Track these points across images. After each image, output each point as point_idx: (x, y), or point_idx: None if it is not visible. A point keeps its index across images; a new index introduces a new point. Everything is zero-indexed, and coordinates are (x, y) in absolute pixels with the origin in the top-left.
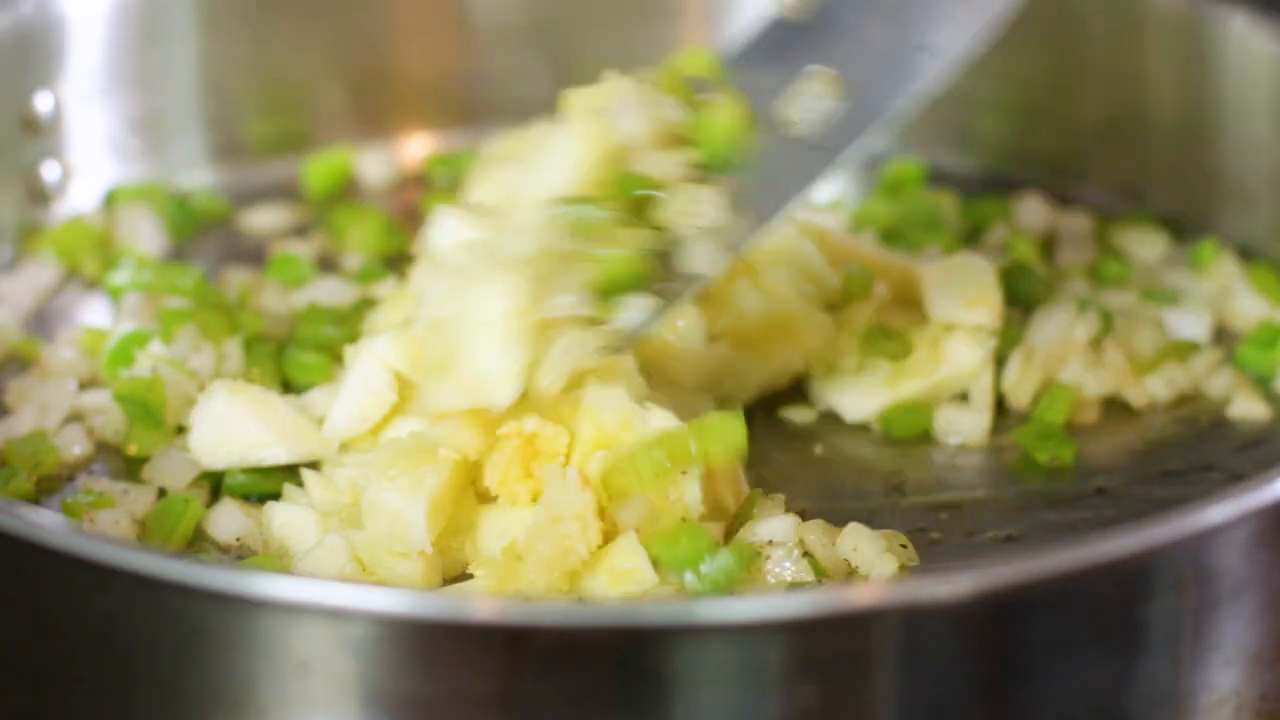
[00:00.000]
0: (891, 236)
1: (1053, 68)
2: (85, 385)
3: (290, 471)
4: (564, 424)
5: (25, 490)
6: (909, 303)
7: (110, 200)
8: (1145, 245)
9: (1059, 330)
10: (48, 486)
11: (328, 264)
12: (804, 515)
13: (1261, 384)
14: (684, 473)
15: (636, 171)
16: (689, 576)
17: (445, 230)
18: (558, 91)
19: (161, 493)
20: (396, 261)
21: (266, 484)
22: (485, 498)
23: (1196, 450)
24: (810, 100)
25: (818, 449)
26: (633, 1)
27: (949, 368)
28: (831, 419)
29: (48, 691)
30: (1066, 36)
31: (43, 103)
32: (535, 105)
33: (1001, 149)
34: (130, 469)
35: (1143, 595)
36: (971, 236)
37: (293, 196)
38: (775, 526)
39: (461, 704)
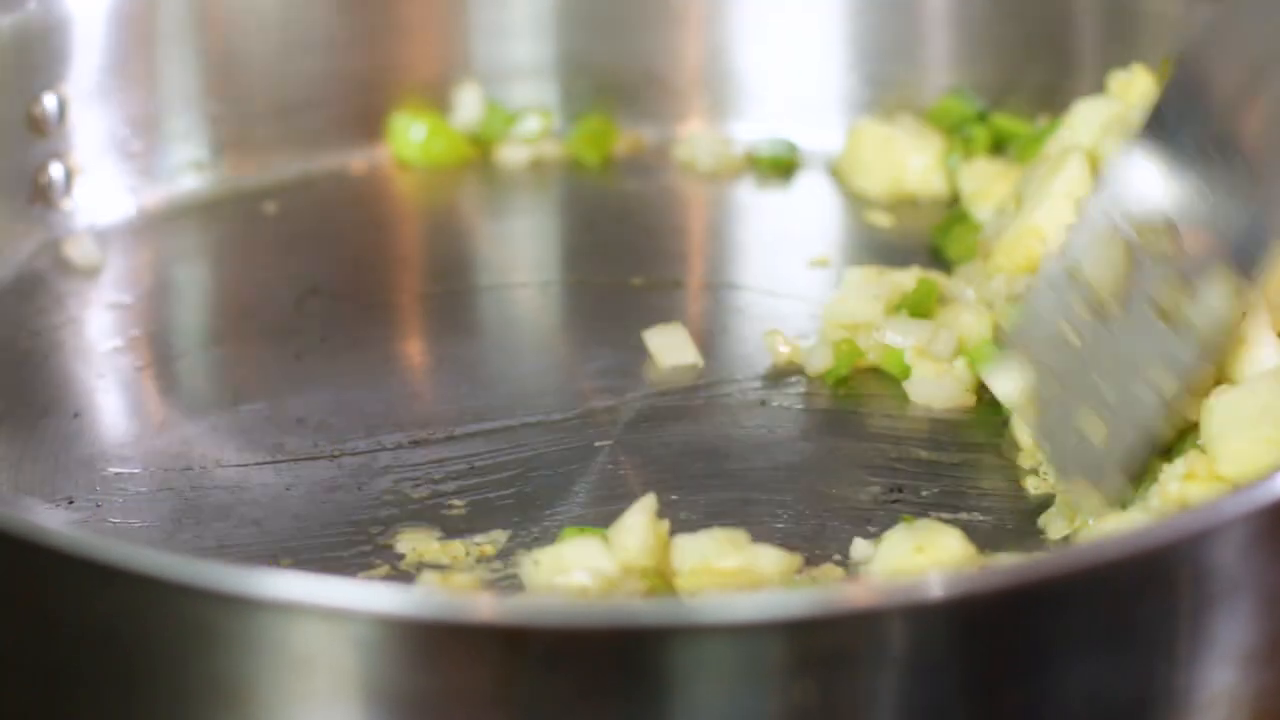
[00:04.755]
0: None
1: (1046, 70)
2: None
3: None
4: None
5: None
6: None
7: None
8: None
9: None
10: None
11: None
12: None
13: None
14: None
15: None
16: None
17: None
18: (559, 92)
19: None
20: None
21: None
22: None
23: None
24: None
25: None
26: (635, 3)
27: None
28: None
29: (48, 691)
30: (1060, 38)
31: (48, 103)
32: (536, 106)
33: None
34: None
35: (1140, 595)
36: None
37: (297, 196)
38: None
39: (462, 702)
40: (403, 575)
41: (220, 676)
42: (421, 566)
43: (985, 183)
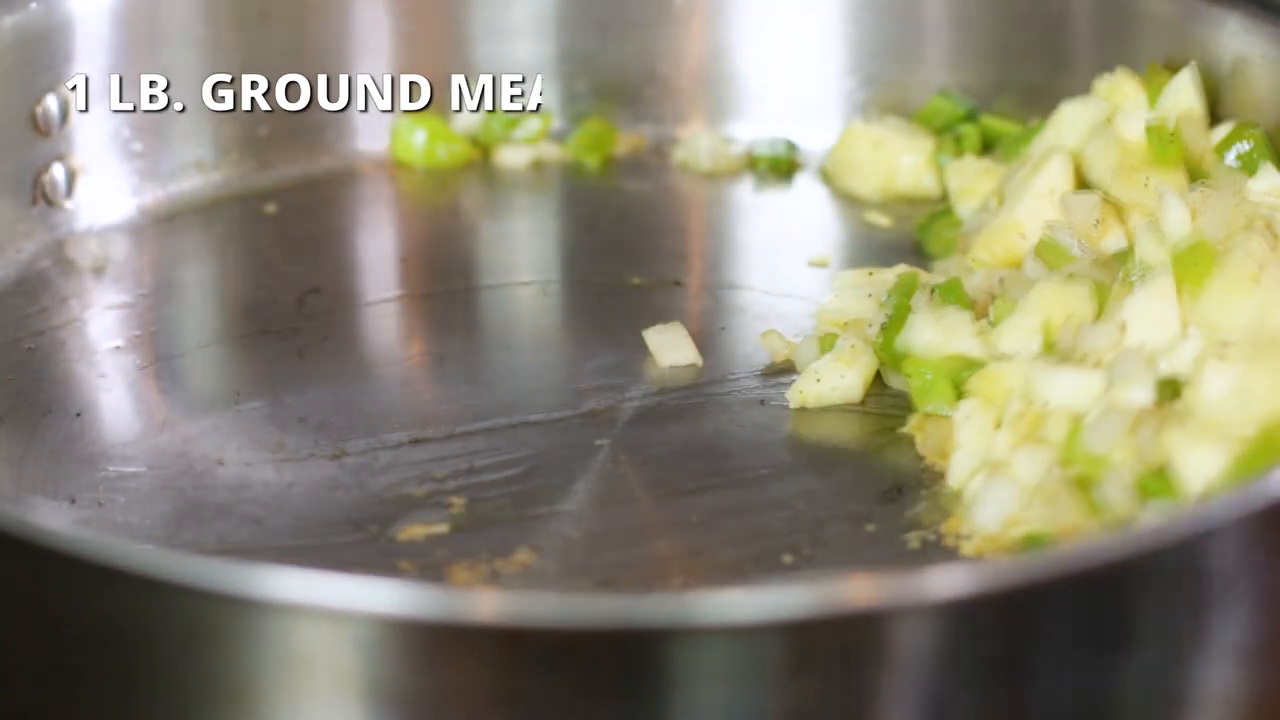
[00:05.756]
0: None
1: (1043, 71)
2: None
3: None
4: None
5: None
6: None
7: None
8: None
9: None
10: None
11: None
12: None
13: None
14: None
15: None
16: None
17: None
18: (559, 93)
19: None
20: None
21: None
22: None
23: None
24: None
25: None
26: (635, 3)
27: None
28: None
29: (48, 691)
30: (1057, 40)
31: (51, 104)
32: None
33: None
34: None
35: (1139, 594)
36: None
37: (298, 196)
38: None
39: (462, 702)
40: (404, 574)
41: (220, 676)
42: (422, 565)
43: (971, 179)
